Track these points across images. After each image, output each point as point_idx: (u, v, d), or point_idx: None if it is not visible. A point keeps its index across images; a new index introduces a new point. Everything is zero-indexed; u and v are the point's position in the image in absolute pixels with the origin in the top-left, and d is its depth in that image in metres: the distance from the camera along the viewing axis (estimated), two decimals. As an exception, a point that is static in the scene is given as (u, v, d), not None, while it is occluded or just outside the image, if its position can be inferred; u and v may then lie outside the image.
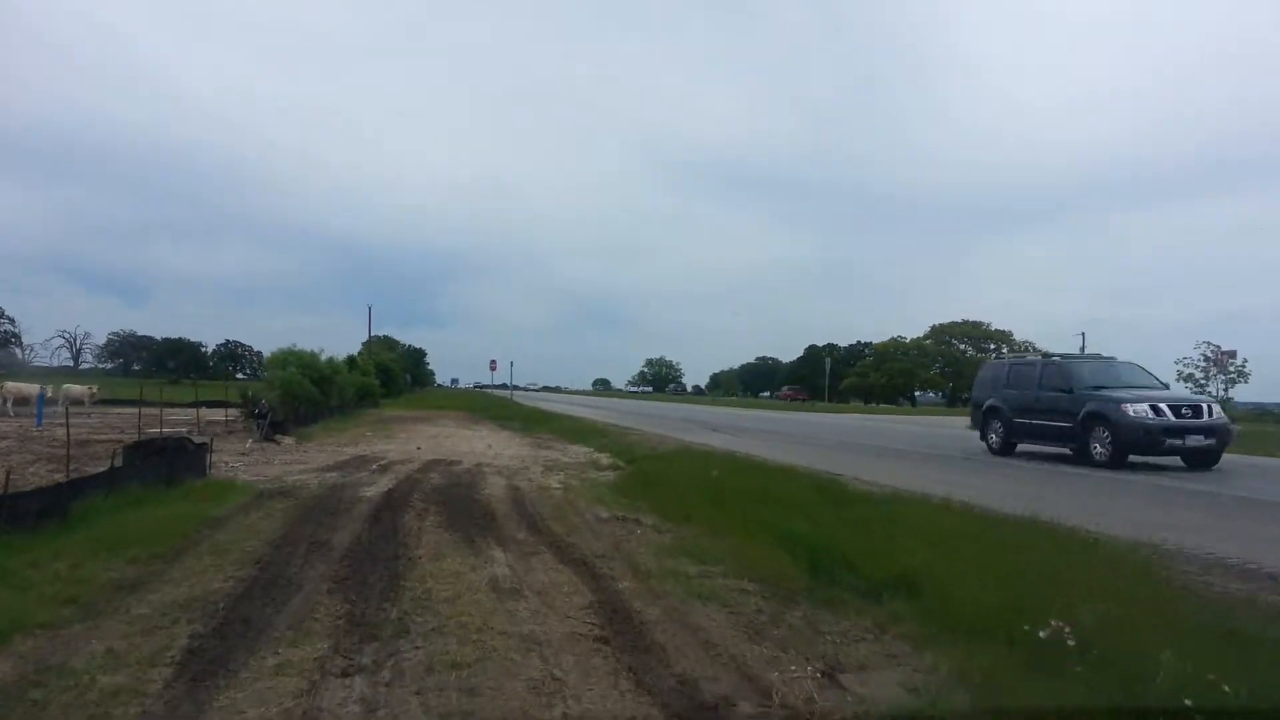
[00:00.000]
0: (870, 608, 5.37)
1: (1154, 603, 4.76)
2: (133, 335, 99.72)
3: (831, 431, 25.09)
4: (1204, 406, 14.48)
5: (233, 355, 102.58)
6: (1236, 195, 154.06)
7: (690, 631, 4.71)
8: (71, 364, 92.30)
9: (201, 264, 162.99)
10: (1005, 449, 16.64)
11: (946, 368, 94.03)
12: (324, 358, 30.77)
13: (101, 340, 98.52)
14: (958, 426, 31.25)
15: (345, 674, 3.82)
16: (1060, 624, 4.16)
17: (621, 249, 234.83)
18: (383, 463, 14.17)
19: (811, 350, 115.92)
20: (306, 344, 30.44)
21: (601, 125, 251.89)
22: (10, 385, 27.53)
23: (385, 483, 11.26)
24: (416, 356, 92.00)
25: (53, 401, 27.35)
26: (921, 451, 17.97)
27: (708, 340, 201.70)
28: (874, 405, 79.32)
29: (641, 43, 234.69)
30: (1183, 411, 13.82)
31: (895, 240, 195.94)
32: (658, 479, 11.63)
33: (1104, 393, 14.48)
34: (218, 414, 23.89)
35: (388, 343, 77.67)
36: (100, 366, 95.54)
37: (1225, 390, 59.14)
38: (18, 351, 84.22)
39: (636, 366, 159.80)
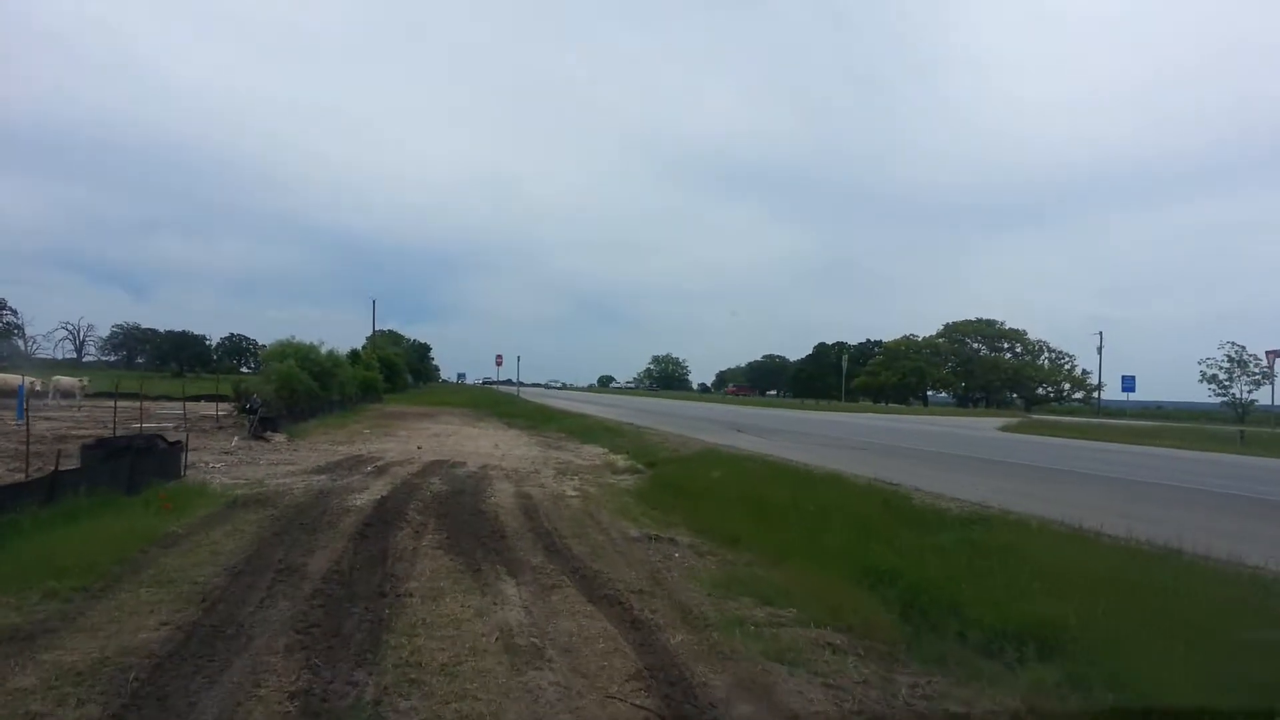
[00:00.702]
0: (1002, 674, 4.05)
1: None
2: (136, 328, 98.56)
3: (862, 433, 23.67)
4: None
5: (237, 349, 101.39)
6: (1249, 192, 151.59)
7: (785, 723, 3.37)
8: (75, 356, 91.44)
9: (207, 258, 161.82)
10: None
11: (958, 367, 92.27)
12: (324, 350, 29.52)
13: (105, 333, 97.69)
14: (987, 428, 29.92)
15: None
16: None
17: (626, 245, 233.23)
18: (379, 464, 12.85)
19: (821, 348, 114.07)
20: (312, 338, 29.08)
21: (604, 122, 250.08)
22: (-11, 377, 26.32)
23: (379, 488, 9.94)
24: (421, 351, 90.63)
25: (43, 394, 26.18)
26: (973, 456, 16.48)
27: (713, 337, 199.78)
28: (882, 405, 77.59)
29: (642, 40, 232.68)
30: None
31: (901, 238, 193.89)
32: (688, 487, 10.29)
33: None
34: (213, 408, 22.64)
35: (392, 337, 76.40)
36: (104, 359, 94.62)
37: (1251, 392, 57.55)
38: (20, 343, 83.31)
39: (641, 363, 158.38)
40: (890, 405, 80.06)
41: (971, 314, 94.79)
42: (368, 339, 60.21)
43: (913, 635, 4.66)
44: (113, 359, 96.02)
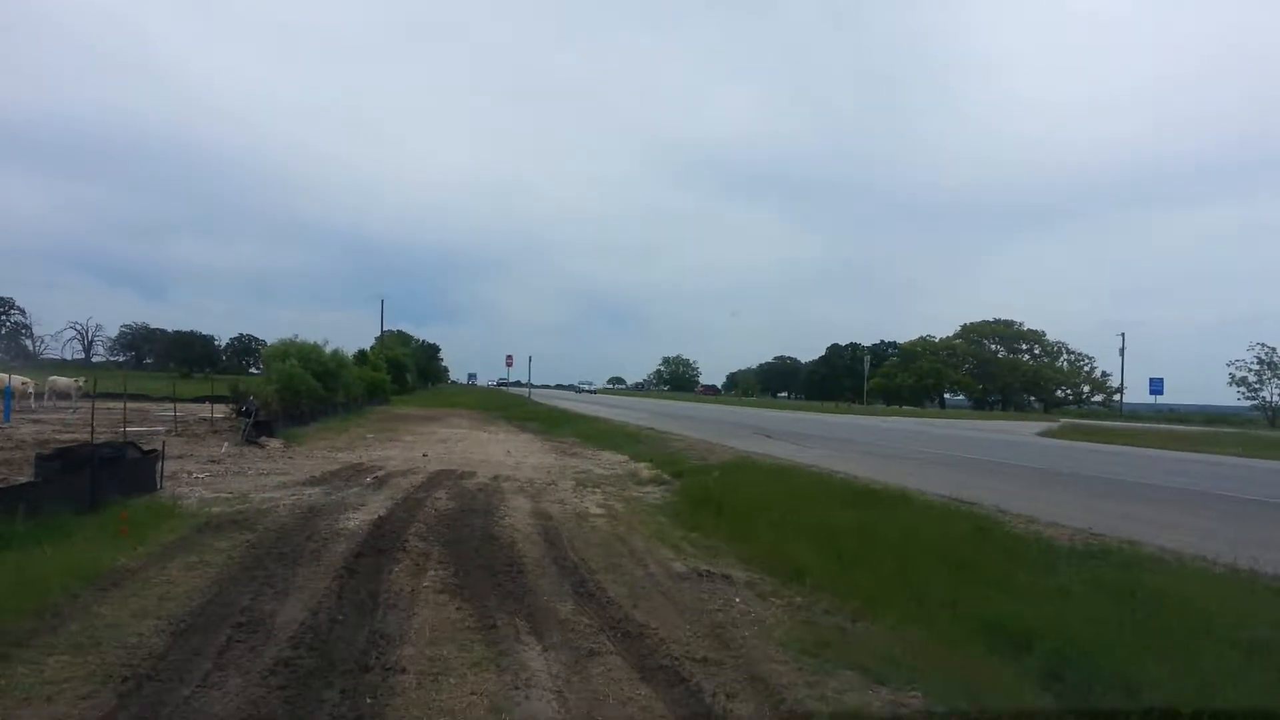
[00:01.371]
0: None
1: None
2: (144, 328, 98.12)
3: (899, 438, 22.18)
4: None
5: (246, 349, 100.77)
6: (1275, 191, 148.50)
7: None
8: (83, 356, 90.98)
9: (218, 259, 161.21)
10: None
11: (976, 369, 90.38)
12: (329, 350, 28.37)
13: (114, 333, 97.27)
14: (1025, 433, 28.40)
15: None
16: None
17: (637, 247, 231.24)
18: (380, 474, 11.62)
19: (834, 349, 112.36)
20: (321, 339, 27.88)
21: (617, 125, 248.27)
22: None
23: (378, 505, 8.70)
24: (430, 352, 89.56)
25: (29, 395, 25.12)
26: (1035, 467, 15.02)
27: (723, 339, 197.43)
28: (897, 408, 75.70)
29: (655, 42, 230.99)
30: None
31: (915, 240, 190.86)
32: (728, 504, 9.01)
33: None
34: (217, 409, 21.55)
35: (401, 338, 75.40)
36: (112, 359, 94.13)
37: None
38: (28, 343, 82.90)
39: (651, 365, 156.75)
40: (905, 408, 78.22)
41: (986, 316, 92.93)
42: (376, 339, 59.26)
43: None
44: (121, 359, 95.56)
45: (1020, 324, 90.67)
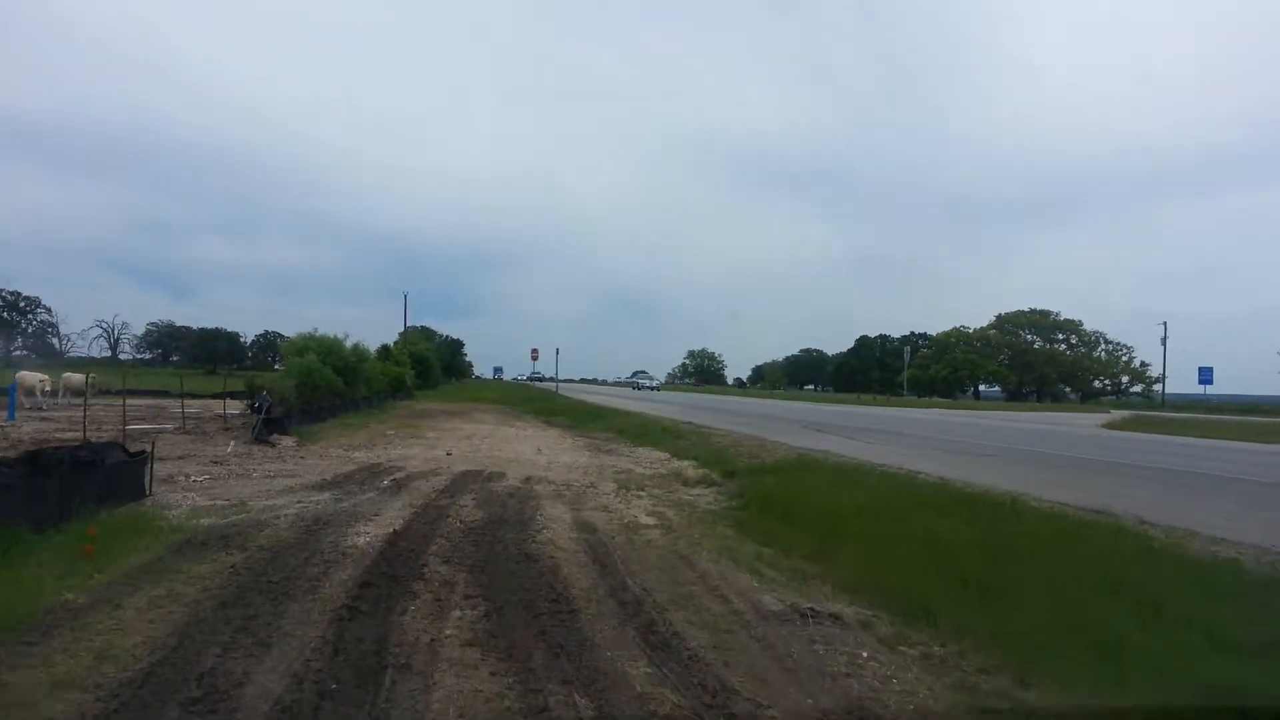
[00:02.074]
0: None
1: None
2: (170, 326, 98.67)
3: (961, 432, 20.42)
4: None
5: (270, 346, 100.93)
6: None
7: None
8: (110, 354, 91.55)
9: (245, 257, 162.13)
10: None
11: (1012, 359, 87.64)
12: (350, 344, 27.36)
13: (140, 331, 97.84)
14: (1088, 425, 26.53)
15: None
16: None
17: (663, 241, 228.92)
18: (399, 475, 10.42)
19: (863, 341, 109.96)
20: (343, 334, 26.92)
21: (644, 120, 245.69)
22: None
23: (393, 515, 7.47)
24: (454, 347, 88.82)
25: (40, 393, 24.36)
26: (1134, 465, 13.36)
27: (748, 332, 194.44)
28: (928, 399, 73.29)
29: (682, 39, 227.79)
30: None
31: (940, 231, 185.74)
32: (798, 510, 7.67)
33: None
34: (235, 405, 20.64)
35: (425, 333, 74.73)
36: (139, 356, 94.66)
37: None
38: (54, 341, 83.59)
39: (676, 359, 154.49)
40: (938, 399, 75.95)
41: (1017, 307, 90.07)
42: (400, 334, 58.57)
43: None
44: (148, 357, 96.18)
45: (1057, 314, 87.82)
